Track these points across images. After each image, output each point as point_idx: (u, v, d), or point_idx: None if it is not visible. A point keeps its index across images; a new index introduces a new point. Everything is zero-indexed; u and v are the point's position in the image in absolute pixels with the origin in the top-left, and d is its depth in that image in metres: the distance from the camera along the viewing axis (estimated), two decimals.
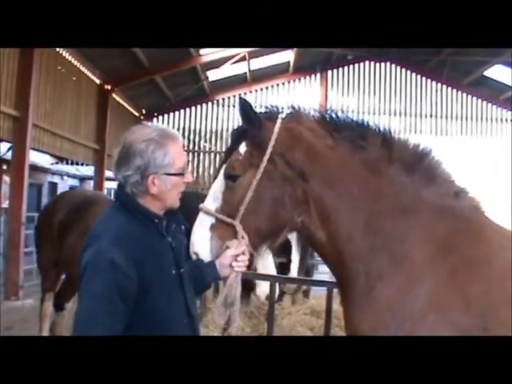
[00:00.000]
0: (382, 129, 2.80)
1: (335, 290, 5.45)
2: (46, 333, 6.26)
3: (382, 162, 2.72)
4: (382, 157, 2.72)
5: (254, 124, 2.70)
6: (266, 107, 2.89)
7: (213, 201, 2.71)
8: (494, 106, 24.39)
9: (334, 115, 2.81)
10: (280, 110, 2.84)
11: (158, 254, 2.32)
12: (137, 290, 2.17)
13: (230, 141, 2.88)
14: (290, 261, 8.33)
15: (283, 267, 8.23)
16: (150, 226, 2.34)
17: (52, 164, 24.84)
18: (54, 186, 24.76)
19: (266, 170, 2.64)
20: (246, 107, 2.70)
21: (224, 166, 2.77)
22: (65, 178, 26.45)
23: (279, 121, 2.74)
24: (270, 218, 2.68)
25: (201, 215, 2.71)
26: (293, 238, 8.34)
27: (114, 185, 28.79)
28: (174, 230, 2.48)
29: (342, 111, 2.85)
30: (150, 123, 2.51)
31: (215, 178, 2.82)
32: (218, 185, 2.75)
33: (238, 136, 2.80)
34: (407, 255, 2.61)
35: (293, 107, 2.88)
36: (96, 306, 2.10)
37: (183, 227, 2.59)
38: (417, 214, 2.67)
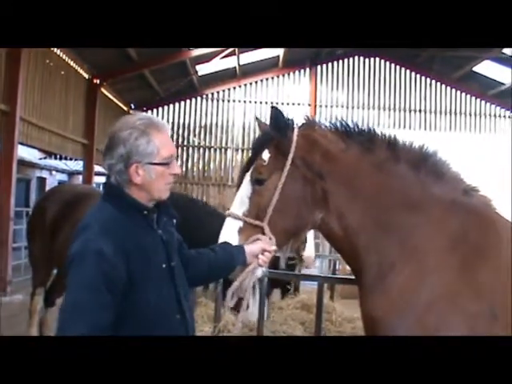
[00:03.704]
0: (387, 134, 3.06)
1: (325, 285, 5.47)
2: (35, 328, 6.24)
3: (389, 162, 2.97)
4: (389, 157, 2.97)
5: (282, 132, 2.96)
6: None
7: (239, 206, 2.92)
8: (483, 102, 24.50)
9: (344, 124, 3.06)
10: (294, 121, 3.11)
11: (147, 246, 2.29)
12: (124, 282, 2.14)
13: (252, 150, 3.12)
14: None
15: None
16: (138, 217, 2.31)
17: (40, 159, 24.71)
18: (42, 180, 24.64)
19: (289, 173, 2.90)
20: (279, 116, 2.96)
21: (249, 173, 3.00)
22: (53, 172, 26.32)
23: (296, 129, 3.02)
24: (294, 217, 2.93)
25: (228, 220, 2.91)
26: None
27: (102, 179, 28.63)
28: (166, 223, 2.47)
29: (352, 121, 3.11)
30: (137, 113, 2.51)
31: (239, 185, 3.03)
32: (244, 190, 2.98)
33: (261, 144, 3.06)
34: (418, 246, 2.85)
35: (307, 117, 3.16)
36: (82, 296, 2.05)
37: (174, 220, 2.57)
38: (427, 209, 2.91)
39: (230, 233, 2.86)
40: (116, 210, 2.28)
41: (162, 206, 2.44)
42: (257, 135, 3.21)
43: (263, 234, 2.84)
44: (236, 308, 2.85)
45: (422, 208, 2.91)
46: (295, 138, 2.95)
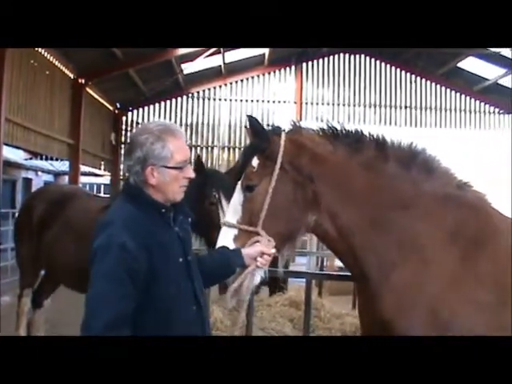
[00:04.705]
0: (375, 134, 3.08)
1: (313, 282, 5.48)
2: (22, 330, 6.19)
3: (378, 161, 2.99)
4: (377, 157, 3.00)
5: (263, 138, 3.01)
6: (268, 124, 3.19)
7: (233, 214, 2.99)
8: (468, 97, 24.66)
9: (331, 126, 3.10)
10: (282, 127, 3.16)
11: (165, 242, 2.41)
12: (146, 275, 2.26)
13: (242, 158, 3.16)
14: None
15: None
16: (156, 215, 2.45)
17: (26, 159, 24.53)
18: (28, 181, 24.47)
19: (279, 177, 2.94)
20: (254, 124, 3.02)
21: (240, 181, 3.05)
22: (39, 173, 26.14)
23: (283, 134, 3.05)
24: (287, 221, 2.97)
25: (224, 229, 2.96)
26: None
27: (89, 180, 28.56)
28: (181, 222, 2.60)
29: (339, 122, 3.13)
30: (157, 120, 2.68)
31: (232, 194, 3.07)
32: (236, 198, 3.03)
33: (250, 152, 3.09)
34: (417, 242, 2.89)
35: (293, 122, 3.19)
36: (106, 287, 2.18)
37: (189, 219, 2.70)
38: (421, 205, 2.95)
39: (225, 241, 2.91)
40: (135, 208, 2.42)
41: (177, 206, 2.57)
42: (243, 135, 3.30)
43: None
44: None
45: (415, 205, 2.95)
46: (282, 143, 2.99)
